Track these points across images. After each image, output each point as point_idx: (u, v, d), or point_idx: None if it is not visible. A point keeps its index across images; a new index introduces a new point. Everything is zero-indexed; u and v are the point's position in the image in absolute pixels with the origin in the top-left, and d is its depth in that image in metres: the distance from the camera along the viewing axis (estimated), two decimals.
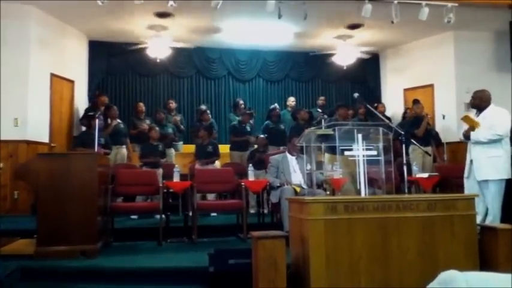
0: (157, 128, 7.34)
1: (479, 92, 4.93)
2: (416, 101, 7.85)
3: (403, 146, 5.23)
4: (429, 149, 7.12)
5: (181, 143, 8.65)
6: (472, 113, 5.01)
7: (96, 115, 6.30)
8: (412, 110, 7.76)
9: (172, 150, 7.98)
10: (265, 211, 6.17)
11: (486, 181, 4.74)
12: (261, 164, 6.53)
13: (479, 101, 4.88)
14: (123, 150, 7.54)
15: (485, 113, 4.85)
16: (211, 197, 7.10)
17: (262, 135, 7.64)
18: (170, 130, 8.06)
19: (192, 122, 9.12)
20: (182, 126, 8.62)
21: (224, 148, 7.99)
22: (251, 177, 5.81)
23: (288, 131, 7.89)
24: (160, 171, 6.64)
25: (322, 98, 9.35)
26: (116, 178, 5.72)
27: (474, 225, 3.36)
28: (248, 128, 8.03)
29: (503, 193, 4.73)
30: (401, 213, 3.19)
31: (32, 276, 3.92)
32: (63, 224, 4.34)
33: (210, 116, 8.43)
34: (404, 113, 8.59)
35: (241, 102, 8.92)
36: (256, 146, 7.56)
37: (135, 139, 7.92)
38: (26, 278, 3.91)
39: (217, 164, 7.37)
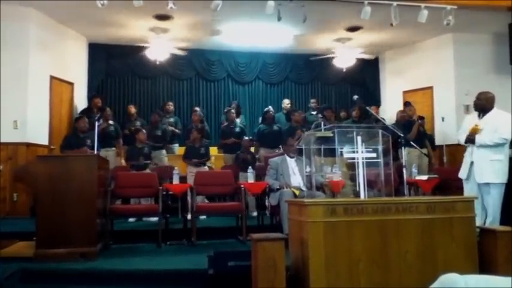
0: (144, 131, 7.23)
1: (484, 93, 4.86)
2: (408, 103, 7.82)
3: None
4: (424, 151, 7.12)
5: (176, 145, 8.59)
6: (474, 115, 4.97)
7: (96, 118, 6.29)
8: (404, 113, 7.74)
9: (164, 152, 7.87)
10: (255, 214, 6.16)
11: (487, 184, 4.72)
12: (246, 165, 6.52)
13: (485, 102, 4.81)
14: (112, 152, 7.49)
15: (489, 116, 4.79)
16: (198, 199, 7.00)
17: (246, 138, 7.64)
18: (159, 133, 7.86)
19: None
20: (177, 130, 8.55)
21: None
22: (250, 180, 5.82)
23: (283, 132, 7.89)
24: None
25: (313, 100, 9.33)
26: (114, 180, 5.72)
27: (473, 227, 3.36)
28: (237, 129, 7.99)
29: (503, 196, 4.73)
30: (401, 215, 3.19)
31: (31, 279, 3.92)
32: (63, 226, 4.33)
33: (199, 116, 8.37)
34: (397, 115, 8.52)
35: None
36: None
37: (125, 141, 7.87)
38: (25, 280, 3.90)
39: (212, 165, 7.37)
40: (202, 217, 6.37)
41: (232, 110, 8.26)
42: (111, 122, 7.67)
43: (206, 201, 6.76)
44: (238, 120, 8.43)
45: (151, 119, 8.08)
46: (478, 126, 4.79)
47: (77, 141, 6.39)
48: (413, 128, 7.17)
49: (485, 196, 4.75)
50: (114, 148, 7.56)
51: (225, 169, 7.00)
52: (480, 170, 4.74)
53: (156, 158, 7.50)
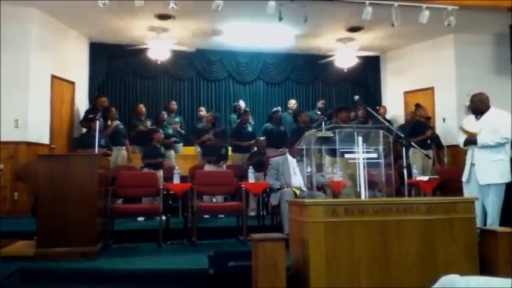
0: (161, 131, 7.37)
1: (478, 95, 4.82)
2: (419, 105, 7.86)
3: (403, 148, 5.22)
4: (430, 152, 7.11)
5: (181, 144, 8.66)
6: (472, 117, 4.95)
7: (97, 117, 6.31)
8: (418, 112, 7.75)
9: (172, 152, 8.00)
10: (264, 213, 6.16)
11: (488, 184, 4.71)
12: (260, 166, 6.52)
13: (480, 105, 4.77)
14: (124, 151, 7.59)
15: (486, 116, 4.75)
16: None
17: (261, 138, 7.66)
18: (170, 131, 8.07)
19: (192, 124, 9.12)
20: (183, 130, 8.64)
21: None
22: (251, 180, 5.81)
23: (289, 133, 7.91)
24: (161, 173, 6.66)
25: (322, 101, 9.37)
26: (116, 180, 5.72)
27: (474, 228, 3.36)
28: (250, 129, 8.05)
29: (503, 196, 4.72)
30: (402, 216, 3.19)
31: (31, 278, 3.92)
32: (63, 226, 4.33)
33: (212, 117, 8.43)
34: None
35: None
36: (256, 148, 7.59)
37: (136, 140, 7.94)
38: (25, 279, 3.90)
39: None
40: (221, 216, 6.56)
41: (247, 109, 8.34)
42: (118, 121, 7.73)
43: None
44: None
45: (159, 118, 8.13)
46: (465, 131, 4.78)
47: (92, 141, 6.43)
48: (426, 133, 7.24)
49: (485, 197, 4.73)
50: (124, 147, 7.64)
51: (231, 168, 6.96)
52: (482, 170, 4.69)
53: (167, 158, 7.55)
